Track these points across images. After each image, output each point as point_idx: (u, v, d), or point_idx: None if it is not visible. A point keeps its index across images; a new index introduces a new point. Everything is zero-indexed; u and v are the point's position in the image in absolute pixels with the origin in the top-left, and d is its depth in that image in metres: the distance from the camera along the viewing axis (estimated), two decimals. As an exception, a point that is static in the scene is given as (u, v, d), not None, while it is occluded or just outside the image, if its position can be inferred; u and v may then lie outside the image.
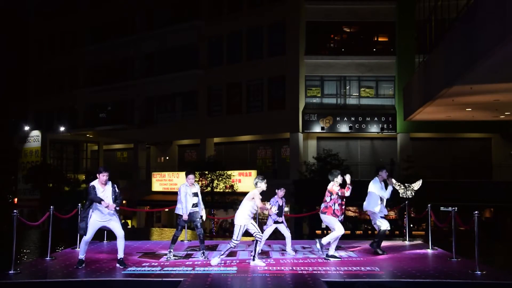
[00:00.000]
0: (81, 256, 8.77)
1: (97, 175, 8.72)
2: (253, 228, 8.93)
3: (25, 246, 12.92)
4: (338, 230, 9.44)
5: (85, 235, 8.70)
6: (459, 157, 27.74)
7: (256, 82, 30.73)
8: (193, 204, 9.74)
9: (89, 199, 8.61)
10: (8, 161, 41.24)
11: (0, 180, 44.20)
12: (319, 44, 29.82)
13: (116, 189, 8.89)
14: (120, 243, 8.78)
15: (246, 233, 11.12)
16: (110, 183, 8.83)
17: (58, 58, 41.40)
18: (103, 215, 8.68)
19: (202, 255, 9.70)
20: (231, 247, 8.95)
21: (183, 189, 9.67)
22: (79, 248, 10.94)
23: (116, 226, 8.79)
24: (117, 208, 8.86)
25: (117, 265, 8.73)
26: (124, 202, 10.26)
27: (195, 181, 10.10)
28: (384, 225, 10.13)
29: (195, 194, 9.76)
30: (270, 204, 9.99)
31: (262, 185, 9.03)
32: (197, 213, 9.81)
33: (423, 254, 10.44)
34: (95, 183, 8.71)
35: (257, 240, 8.93)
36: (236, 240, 8.88)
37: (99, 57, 38.69)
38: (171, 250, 9.77)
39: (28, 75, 44.96)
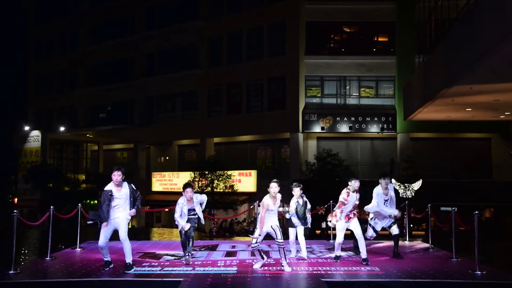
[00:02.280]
0: (106, 258, 8.58)
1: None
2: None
3: (25, 246, 12.91)
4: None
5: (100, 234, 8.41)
6: (459, 157, 27.73)
7: (256, 82, 30.73)
8: (191, 215, 9.29)
9: (102, 205, 8.38)
10: (8, 161, 41.28)
11: (0, 180, 44.25)
12: (319, 44, 29.81)
13: (134, 188, 8.61)
14: (124, 246, 8.43)
15: (247, 233, 11.10)
16: (126, 184, 8.49)
17: (58, 58, 41.41)
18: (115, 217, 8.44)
19: (186, 255, 9.15)
20: (284, 247, 8.62)
21: (180, 204, 9.20)
22: (79, 248, 10.98)
23: (121, 227, 8.43)
24: (134, 212, 8.52)
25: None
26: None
27: (197, 183, 9.61)
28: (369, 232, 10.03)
29: (192, 211, 9.26)
30: (290, 207, 9.77)
31: (270, 190, 8.65)
32: (195, 219, 9.34)
33: (423, 254, 10.43)
34: (110, 186, 8.40)
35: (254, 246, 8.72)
36: (281, 240, 8.54)
37: (99, 57, 38.69)
38: (188, 253, 9.20)
39: (28, 75, 44.96)
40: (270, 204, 8.59)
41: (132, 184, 8.64)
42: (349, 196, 9.11)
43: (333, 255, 9.88)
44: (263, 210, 8.57)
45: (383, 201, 9.70)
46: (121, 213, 8.46)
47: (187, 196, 9.19)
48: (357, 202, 9.21)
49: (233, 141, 32.97)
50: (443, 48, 14.87)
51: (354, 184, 9.14)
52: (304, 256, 9.65)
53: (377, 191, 9.76)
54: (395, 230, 9.81)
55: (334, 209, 9.52)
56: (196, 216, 9.37)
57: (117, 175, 8.37)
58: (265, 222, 8.61)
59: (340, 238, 9.24)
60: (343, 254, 10.21)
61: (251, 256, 9.93)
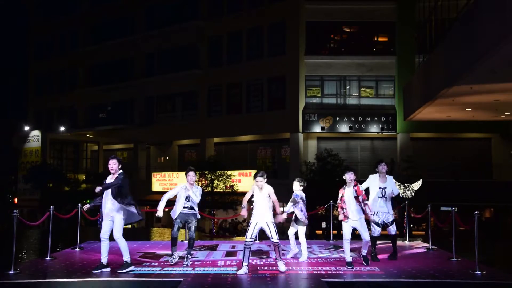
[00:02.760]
0: (103, 258, 8.33)
1: None
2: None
3: (25, 246, 12.91)
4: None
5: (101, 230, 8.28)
6: (459, 157, 27.74)
7: (256, 82, 30.73)
8: (186, 207, 9.06)
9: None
10: (8, 161, 41.28)
11: (0, 180, 44.24)
12: (319, 44, 29.81)
13: (118, 179, 8.10)
14: (119, 245, 8.27)
15: (242, 233, 11.01)
16: (118, 173, 8.20)
17: (58, 58, 41.41)
18: (105, 211, 8.23)
19: (186, 259, 9.04)
20: (279, 246, 8.44)
21: (177, 188, 9.14)
22: (79, 248, 10.97)
23: (116, 225, 8.22)
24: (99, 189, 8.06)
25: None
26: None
27: (196, 181, 9.48)
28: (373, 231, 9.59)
29: (187, 198, 9.03)
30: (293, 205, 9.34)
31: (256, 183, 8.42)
32: (192, 215, 9.08)
33: (423, 254, 10.43)
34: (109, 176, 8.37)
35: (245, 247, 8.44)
36: (277, 240, 8.32)
37: (99, 57, 38.69)
38: (174, 253, 9.06)
39: (28, 75, 44.96)
40: (256, 191, 8.33)
41: (120, 174, 8.20)
42: (344, 191, 8.72)
43: (333, 255, 9.87)
44: (249, 192, 8.42)
45: (377, 189, 9.43)
46: (108, 204, 8.17)
47: (189, 179, 9.04)
48: (355, 197, 8.57)
49: (233, 141, 32.97)
50: (443, 48, 14.87)
51: (345, 176, 8.71)
52: (303, 259, 9.36)
53: (370, 179, 9.51)
54: (392, 230, 9.58)
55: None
56: (193, 212, 9.07)
57: (112, 164, 8.17)
58: (256, 213, 8.33)
59: (346, 236, 8.68)
60: (343, 254, 10.20)
61: (251, 256, 9.92)
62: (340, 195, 8.83)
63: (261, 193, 8.35)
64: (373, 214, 9.36)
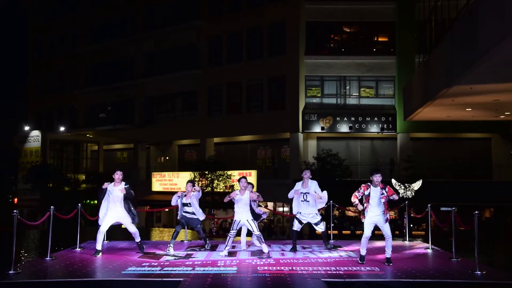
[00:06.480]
0: (97, 247, 9.96)
1: None
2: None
3: (25, 246, 12.92)
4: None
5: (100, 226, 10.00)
6: (459, 157, 27.71)
7: (256, 82, 30.72)
8: (188, 212, 10.71)
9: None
10: (8, 161, 41.24)
11: (0, 180, 44.22)
12: (319, 44, 29.80)
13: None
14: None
15: (249, 234, 11.14)
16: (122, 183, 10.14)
17: (58, 58, 41.40)
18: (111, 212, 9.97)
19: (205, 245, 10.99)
20: (260, 236, 10.41)
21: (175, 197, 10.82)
22: (79, 248, 11.00)
23: (127, 224, 10.10)
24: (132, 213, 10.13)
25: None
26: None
27: (197, 183, 10.60)
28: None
29: (186, 204, 10.65)
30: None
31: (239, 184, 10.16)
32: (195, 219, 10.73)
33: (423, 254, 10.43)
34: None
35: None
36: (258, 232, 10.39)
37: (99, 57, 38.69)
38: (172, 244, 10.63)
39: (28, 75, 44.95)
40: (238, 194, 10.07)
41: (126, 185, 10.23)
42: (367, 189, 8.89)
43: (333, 255, 9.87)
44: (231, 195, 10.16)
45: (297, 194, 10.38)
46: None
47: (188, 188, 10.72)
48: (381, 198, 8.78)
49: (233, 141, 32.97)
50: (443, 48, 14.88)
51: (374, 177, 8.85)
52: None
53: (296, 186, 10.58)
54: (320, 228, 10.54)
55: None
56: (194, 217, 10.69)
57: (119, 174, 10.24)
58: (236, 212, 10.07)
59: (366, 233, 8.98)
60: (343, 254, 10.22)
61: (251, 256, 9.95)
62: (362, 191, 8.96)
63: (242, 194, 10.05)
64: (298, 213, 10.52)
